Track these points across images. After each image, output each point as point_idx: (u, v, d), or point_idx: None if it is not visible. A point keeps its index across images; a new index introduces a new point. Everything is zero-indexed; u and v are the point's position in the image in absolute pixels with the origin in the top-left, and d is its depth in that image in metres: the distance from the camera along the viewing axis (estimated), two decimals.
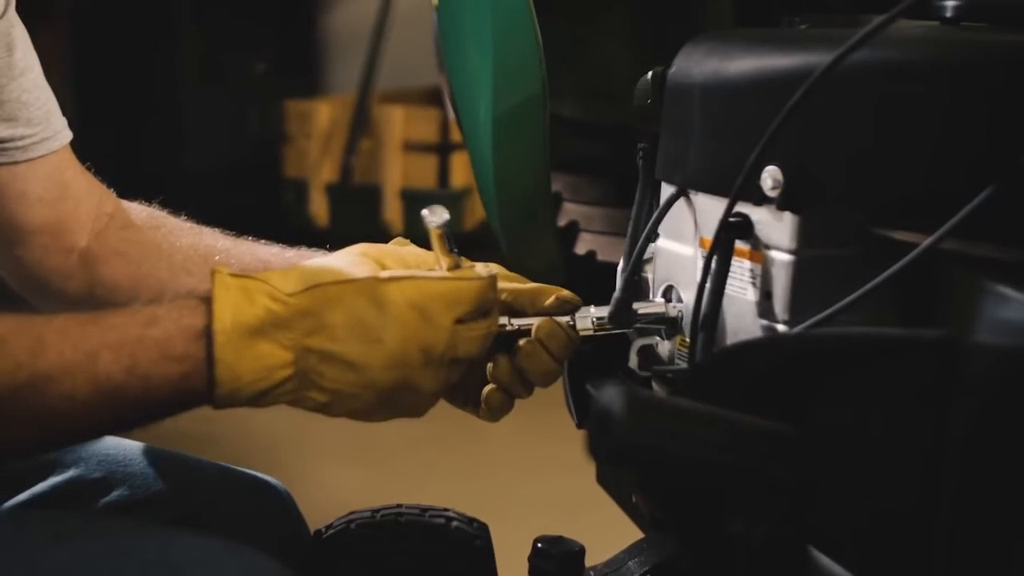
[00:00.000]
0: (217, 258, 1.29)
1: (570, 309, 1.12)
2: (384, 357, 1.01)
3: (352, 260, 1.08)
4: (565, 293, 1.13)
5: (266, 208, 4.24)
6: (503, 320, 1.11)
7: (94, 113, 4.25)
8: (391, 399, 1.03)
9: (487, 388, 1.13)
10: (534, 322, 1.11)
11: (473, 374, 1.11)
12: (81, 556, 0.95)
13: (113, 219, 1.33)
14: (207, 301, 0.99)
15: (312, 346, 1.00)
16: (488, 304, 1.07)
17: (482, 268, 1.12)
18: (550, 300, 1.13)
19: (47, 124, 1.28)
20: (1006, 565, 0.76)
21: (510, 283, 1.15)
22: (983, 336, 0.75)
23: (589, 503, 1.40)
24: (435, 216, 1.10)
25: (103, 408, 0.97)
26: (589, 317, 1.11)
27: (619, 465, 0.83)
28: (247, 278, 1.00)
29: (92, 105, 4.25)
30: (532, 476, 2.94)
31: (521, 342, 1.11)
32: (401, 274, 1.05)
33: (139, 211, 1.36)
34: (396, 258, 1.11)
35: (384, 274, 1.05)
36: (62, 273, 1.30)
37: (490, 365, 1.13)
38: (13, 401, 0.95)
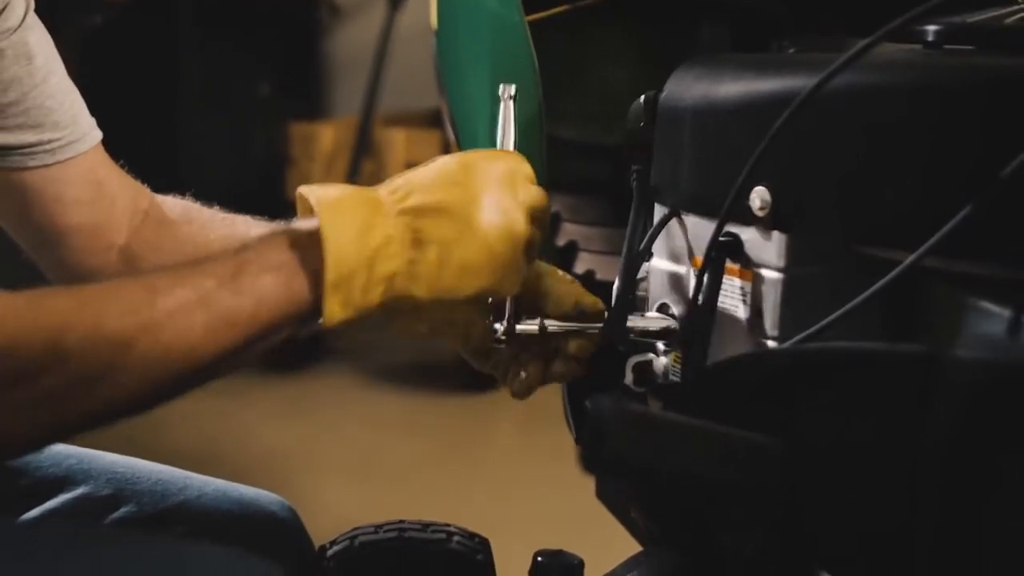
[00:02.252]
0: None
1: (594, 318, 1.15)
2: (471, 197, 1.05)
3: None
4: (589, 303, 1.16)
5: None
6: (537, 323, 1.15)
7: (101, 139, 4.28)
8: (492, 240, 1.05)
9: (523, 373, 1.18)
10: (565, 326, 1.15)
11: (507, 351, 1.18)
12: (91, 568, 0.97)
13: (149, 216, 1.35)
14: (293, 226, 1.04)
15: (406, 206, 1.04)
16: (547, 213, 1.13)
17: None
18: (573, 307, 1.16)
19: (75, 126, 1.31)
20: (984, 571, 0.78)
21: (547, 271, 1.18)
22: (964, 350, 0.77)
23: (589, 518, 1.42)
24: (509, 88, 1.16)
25: (221, 332, 1.00)
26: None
27: (611, 477, 0.86)
28: (343, 186, 1.06)
29: (98, 129, 4.28)
30: (532, 492, 2.95)
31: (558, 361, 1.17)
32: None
33: (173, 205, 1.38)
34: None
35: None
36: (103, 271, 1.32)
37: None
38: (142, 340, 0.97)
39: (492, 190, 1.06)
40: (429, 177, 1.07)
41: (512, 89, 1.15)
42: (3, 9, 1.21)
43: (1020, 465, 0.76)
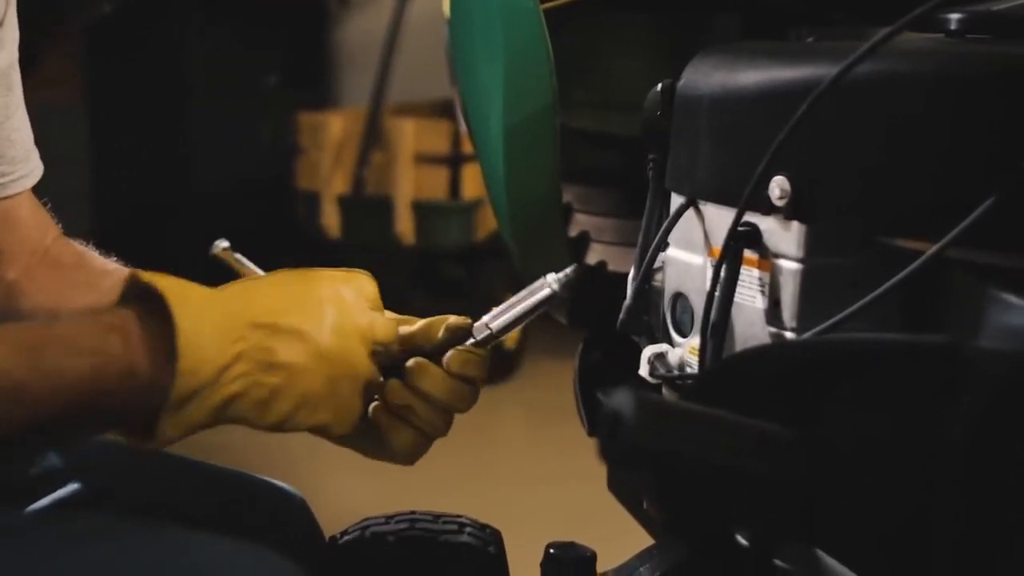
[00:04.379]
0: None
1: (464, 335, 1.14)
2: (329, 323, 1.02)
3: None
4: (453, 321, 1.14)
5: (278, 220, 4.25)
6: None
7: (107, 127, 4.28)
8: (336, 375, 1.02)
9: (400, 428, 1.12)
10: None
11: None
12: (100, 557, 0.96)
13: (46, 255, 1.33)
14: (124, 307, 0.97)
15: (254, 319, 0.99)
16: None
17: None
18: (441, 332, 1.13)
19: (26, 162, 1.30)
20: (1007, 566, 0.78)
21: (400, 325, 1.14)
22: (987, 341, 0.77)
23: (600, 510, 1.41)
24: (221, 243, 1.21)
25: (2, 410, 0.92)
26: (485, 327, 1.14)
27: (629, 467, 0.85)
28: (172, 278, 0.99)
29: (105, 119, 4.28)
30: (544, 484, 2.95)
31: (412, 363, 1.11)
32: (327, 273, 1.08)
33: (71, 250, 1.36)
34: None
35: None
36: None
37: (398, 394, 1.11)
38: None
39: (340, 319, 1.03)
40: (279, 291, 1.03)
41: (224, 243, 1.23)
42: None
43: None
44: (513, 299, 1.16)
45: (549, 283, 1.15)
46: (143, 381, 0.95)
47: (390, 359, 1.09)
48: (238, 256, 1.27)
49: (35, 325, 0.98)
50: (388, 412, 1.10)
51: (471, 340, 1.13)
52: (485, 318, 1.14)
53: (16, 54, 1.26)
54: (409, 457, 1.11)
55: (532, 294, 1.16)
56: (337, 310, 1.03)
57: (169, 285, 0.97)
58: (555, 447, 2.77)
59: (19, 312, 1.30)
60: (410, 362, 1.11)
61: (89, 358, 0.93)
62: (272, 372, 0.99)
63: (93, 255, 1.35)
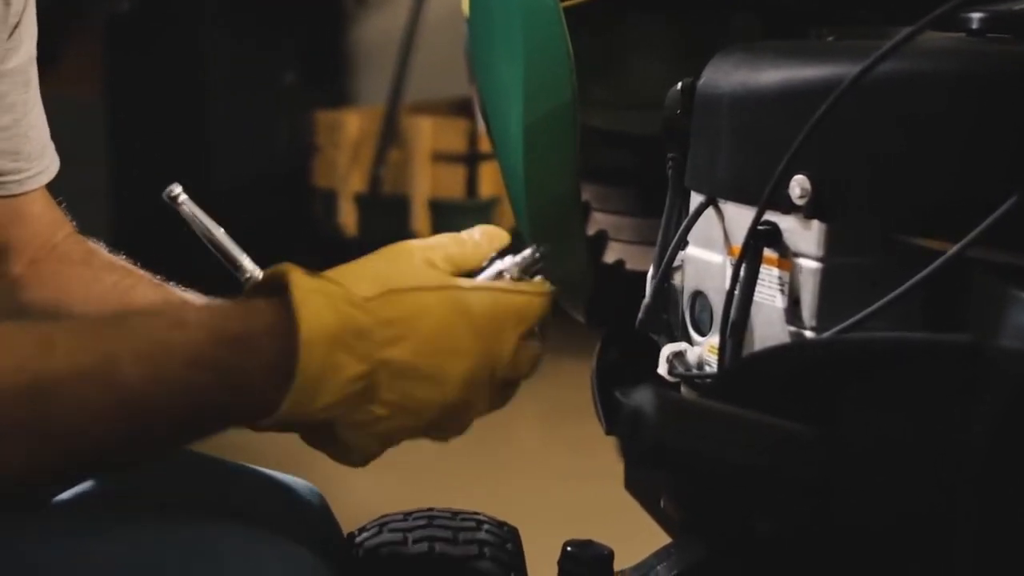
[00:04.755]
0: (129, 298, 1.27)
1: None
2: (463, 371, 0.98)
3: (414, 263, 1.03)
4: (490, 231, 1.12)
5: (295, 218, 4.26)
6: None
7: (125, 123, 4.28)
8: (444, 418, 1.00)
9: None
10: None
11: None
12: (124, 548, 0.96)
13: (54, 250, 1.33)
14: (253, 305, 0.93)
15: (390, 358, 0.95)
16: (546, 322, 1.06)
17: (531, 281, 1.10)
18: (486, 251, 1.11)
19: (42, 158, 1.31)
20: None
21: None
22: (1008, 341, 0.76)
23: (617, 509, 1.41)
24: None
25: (122, 420, 0.88)
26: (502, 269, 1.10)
27: (649, 466, 0.85)
28: (325, 279, 0.95)
29: (123, 115, 4.28)
30: (561, 482, 2.95)
31: None
32: (478, 284, 1.03)
33: (81, 247, 1.35)
34: (443, 255, 1.06)
35: (463, 282, 1.02)
36: None
37: None
38: (15, 407, 0.84)
39: (478, 368, 0.98)
40: (428, 331, 0.97)
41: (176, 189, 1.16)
42: (16, 26, 1.21)
43: None
44: None
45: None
46: (256, 398, 0.93)
47: None
48: (188, 204, 1.20)
49: (154, 327, 0.91)
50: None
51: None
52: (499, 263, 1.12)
53: (34, 51, 1.27)
54: (359, 458, 1.05)
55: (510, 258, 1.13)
56: (480, 347, 0.98)
57: (307, 306, 0.92)
58: (572, 445, 2.77)
59: (23, 308, 1.29)
60: None
61: (210, 374, 0.90)
62: (381, 405, 0.96)
63: (101, 253, 1.35)
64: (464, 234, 1.11)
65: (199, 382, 0.90)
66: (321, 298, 0.93)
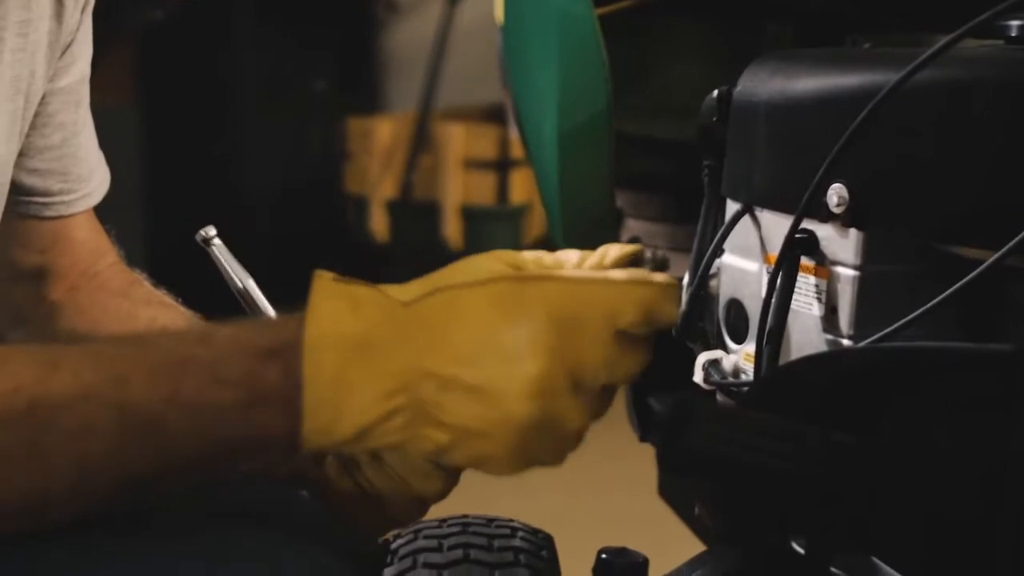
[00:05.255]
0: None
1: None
2: (524, 381, 0.81)
3: (481, 263, 0.91)
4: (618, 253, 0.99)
5: (327, 224, 4.27)
6: None
7: (160, 137, 4.30)
8: (529, 439, 0.83)
9: None
10: None
11: None
12: (151, 551, 0.92)
13: (95, 278, 1.32)
14: (292, 316, 0.83)
15: (431, 368, 0.81)
16: (661, 317, 0.90)
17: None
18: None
19: (89, 181, 1.29)
20: None
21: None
22: None
23: (651, 517, 1.41)
24: None
25: (134, 446, 0.80)
26: None
27: (688, 473, 0.85)
28: (359, 283, 0.84)
29: (158, 129, 4.30)
30: (595, 490, 2.95)
31: None
32: (546, 274, 0.87)
33: (122, 278, 1.33)
34: (536, 257, 0.95)
35: (528, 274, 0.88)
36: (31, 318, 1.28)
37: None
38: (10, 431, 0.77)
39: (545, 369, 0.82)
40: (470, 333, 0.82)
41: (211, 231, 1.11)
42: (69, 45, 1.20)
43: None
44: None
45: None
46: (283, 420, 0.82)
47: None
48: (219, 248, 1.17)
49: (178, 342, 0.83)
50: (341, 470, 0.95)
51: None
52: None
53: (88, 70, 1.25)
54: (366, 530, 0.96)
55: None
56: (545, 349, 0.82)
57: (319, 311, 0.81)
58: (605, 453, 2.77)
59: (55, 333, 1.26)
60: None
61: (234, 391, 0.80)
62: (441, 429, 0.82)
63: (142, 285, 1.32)
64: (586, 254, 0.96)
65: (224, 401, 0.81)
66: (343, 303, 0.82)
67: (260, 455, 0.85)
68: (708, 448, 0.75)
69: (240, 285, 1.16)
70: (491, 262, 0.90)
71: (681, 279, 1.14)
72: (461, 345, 0.81)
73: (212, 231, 1.19)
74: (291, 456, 0.85)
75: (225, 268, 1.18)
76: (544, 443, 0.84)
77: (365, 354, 0.81)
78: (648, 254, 0.96)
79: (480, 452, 0.83)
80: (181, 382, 0.80)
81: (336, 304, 0.82)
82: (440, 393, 0.81)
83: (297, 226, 4.28)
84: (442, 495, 0.97)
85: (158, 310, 1.29)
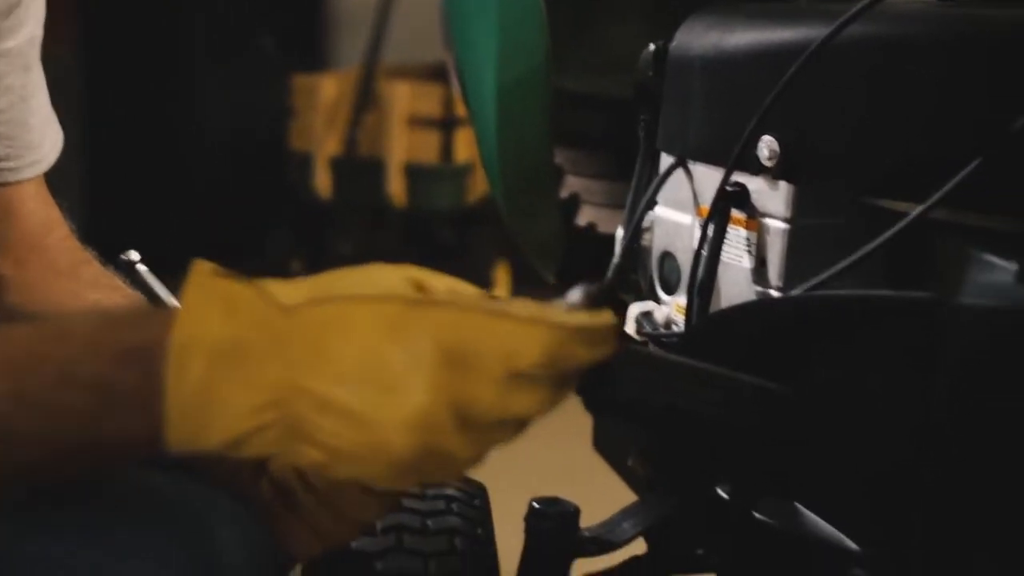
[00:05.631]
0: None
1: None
2: (403, 413, 0.75)
3: (382, 275, 0.83)
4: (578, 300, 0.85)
5: (271, 181, 4.26)
6: None
7: (102, 88, 4.27)
8: (410, 468, 0.77)
9: None
10: None
11: None
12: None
13: (44, 253, 1.26)
14: (159, 313, 0.77)
15: (306, 385, 0.75)
16: (567, 362, 0.78)
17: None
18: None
19: (39, 148, 1.25)
20: (989, 519, 0.79)
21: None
22: (969, 298, 0.78)
23: (585, 469, 1.42)
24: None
25: None
26: None
27: (615, 416, 0.86)
28: (237, 281, 0.76)
29: (100, 80, 4.27)
30: (529, 442, 2.96)
31: None
32: (441, 301, 0.78)
33: (70, 256, 1.28)
34: (450, 285, 0.84)
35: (427, 299, 0.79)
36: None
37: None
38: None
39: (440, 404, 0.75)
40: (353, 354, 0.75)
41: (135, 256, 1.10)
42: (16, 6, 1.16)
43: None
44: None
45: None
46: (140, 423, 0.76)
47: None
48: (143, 272, 1.17)
49: (34, 336, 0.78)
50: (271, 486, 0.85)
51: None
52: None
53: (39, 32, 1.22)
54: (298, 551, 0.88)
55: None
56: (429, 382, 0.75)
57: (189, 311, 0.75)
58: None
59: (7, 309, 1.22)
60: None
61: (83, 393, 0.75)
62: (316, 448, 0.76)
63: (91, 265, 1.26)
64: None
65: (69, 403, 0.75)
66: (216, 304, 0.76)
67: (119, 458, 0.80)
68: (633, 391, 0.76)
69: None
70: (393, 277, 0.83)
71: (614, 235, 1.16)
72: (341, 364, 0.75)
73: (135, 255, 1.19)
74: (156, 456, 0.78)
75: (150, 290, 1.19)
76: (430, 470, 0.78)
77: (235, 362, 0.75)
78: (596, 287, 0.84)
79: (359, 473, 0.77)
80: (29, 380, 0.76)
81: (208, 305, 0.76)
82: (315, 412, 0.75)
83: (242, 183, 4.26)
84: (379, 518, 0.92)
85: (104, 292, 1.24)
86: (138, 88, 4.26)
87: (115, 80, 4.26)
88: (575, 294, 0.83)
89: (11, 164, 1.21)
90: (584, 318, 0.78)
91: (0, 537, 0.81)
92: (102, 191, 3.93)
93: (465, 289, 0.84)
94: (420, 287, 0.82)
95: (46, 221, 1.26)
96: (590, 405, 0.78)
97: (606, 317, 0.79)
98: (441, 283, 0.83)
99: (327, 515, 0.84)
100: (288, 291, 0.77)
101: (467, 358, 0.76)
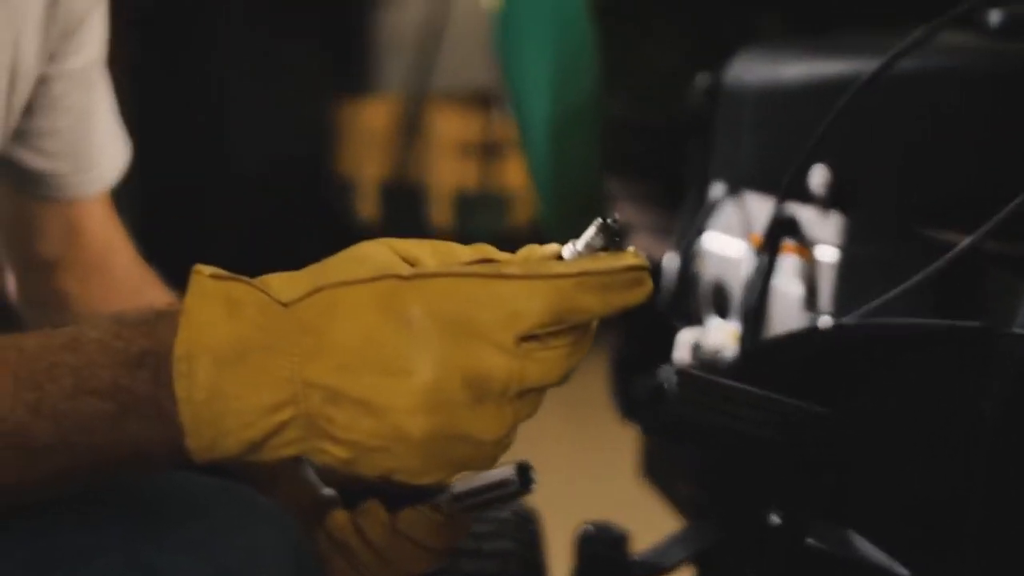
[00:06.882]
0: None
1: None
2: (411, 394, 0.72)
3: (368, 252, 0.78)
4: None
5: (316, 206, 4.28)
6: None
7: (151, 112, 4.31)
8: (434, 453, 0.74)
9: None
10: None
11: None
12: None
13: (107, 274, 1.27)
14: (167, 315, 0.75)
15: (313, 379, 0.72)
16: (577, 313, 0.74)
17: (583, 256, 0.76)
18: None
19: (99, 167, 1.26)
20: None
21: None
22: (1019, 328, 0.79)
23: (633, 499, 1.43)
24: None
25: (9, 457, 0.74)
26: (449, 493, 0.87)
27: (669, 437, 0.87)
28: (237, 281, 0.75)
29: (149, 104, 4.30)
30: (581, 472, 2.97)
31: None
32: (435, 271, 0.75)
33: (134, 280, 1.28)
34: (437, 251, 0.80)
35: (410, 271, 0.75)
36: (47, 303, 1.27)
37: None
38: None
39: (441, 378, 0.72)
40: (352, 340, 0.72)
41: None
42: (78, 28, 1.18)
43: None
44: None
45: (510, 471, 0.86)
46: (162, 431, 0.74)
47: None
48: None
49: (46, 344, 0.76)
50: (328, 539, 0.87)
51: (430, 501, 0.86)
52: (455, 485, 0.87)
53: (101, 53, 1.23)
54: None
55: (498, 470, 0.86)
56: (434, 358, 0.72)
57: (192, 315, 0.74)
58: (589, 439, 2.80)
59: (67, 320, 1.23)
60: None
61: (102, 400, 0.74)
62: (338, 445, 0.73)
63: (155, 288, 1.26)
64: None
65: (87, 410, 0.74)
66: (218, 305, 0.74)
67: (141, 466, 0.78)
68: (687, 412, 0.78)
69: None
70: (380, 252, 0.78)
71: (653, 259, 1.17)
72: (342, 353, 0.72)
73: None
74: (179, 465, 0.77)
75: None
76: (456, 454, 0.74)
77: (241, 362, 0.73)
78: (610, 220, 0.75)
79: (386, 466, 0.74)
80: (45, 390, 0.74)
81: (210, 307, 0.74)
82: (328, 406, 0.72)
83: (285, 207, 4.29)
84: (429, 570, 0.92)
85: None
86: (184, 116, 4.29)
87: (159, 107, 4.29)
88: (588, 233, 0.75)
89: (74, 179, 1.23)
90: (588, 263, 0.74)
91: (41, 530, 0.81)
92: (150, 215, 3.97)
93: (451, 250, 0.80)
94: (409, 258, 0.78)
95: (111, 240, 1.28)
96: (646, 427, 0.80)
97: (627, 257, 0.73)
98: (423, 250, 0.79)
99: (382, 567, 0.85)
100: (288, 284, 0.75)
101: (469, 327, 0.72)
